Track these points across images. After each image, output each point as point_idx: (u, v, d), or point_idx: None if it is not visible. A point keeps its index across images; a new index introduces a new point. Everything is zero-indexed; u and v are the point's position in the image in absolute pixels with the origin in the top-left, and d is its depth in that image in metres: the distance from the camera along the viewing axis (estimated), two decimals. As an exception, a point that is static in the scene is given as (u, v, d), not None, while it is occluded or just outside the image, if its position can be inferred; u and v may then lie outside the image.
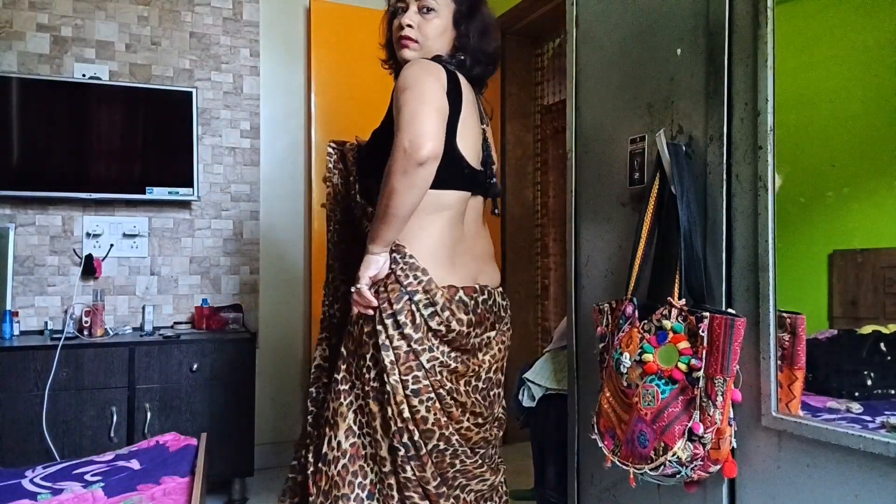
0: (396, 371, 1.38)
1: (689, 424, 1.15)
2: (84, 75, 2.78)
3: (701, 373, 1.16)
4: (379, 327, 1.40)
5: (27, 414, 2.31)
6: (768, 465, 1.20)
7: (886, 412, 1.16)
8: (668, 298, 1.25)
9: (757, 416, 1.21)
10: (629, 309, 1.33)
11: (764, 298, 1.19)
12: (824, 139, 1.54)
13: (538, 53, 3.54)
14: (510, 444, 3.39)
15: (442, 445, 1.43)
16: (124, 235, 2.85)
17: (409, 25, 1.53)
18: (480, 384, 1.53)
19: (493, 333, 1.57)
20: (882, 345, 1.34)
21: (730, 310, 1.24)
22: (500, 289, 1.64)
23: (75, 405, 2.37)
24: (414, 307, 1.39)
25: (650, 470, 1.18)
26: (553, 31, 3.36)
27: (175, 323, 2.93)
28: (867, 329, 1.38)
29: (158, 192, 2.78)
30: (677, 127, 1.40)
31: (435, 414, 1.41)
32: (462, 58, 1.54)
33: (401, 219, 1.36)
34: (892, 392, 1.27)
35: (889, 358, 1.33)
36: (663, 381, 1.20)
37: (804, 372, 1.17)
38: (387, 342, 1.39)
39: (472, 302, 1.47)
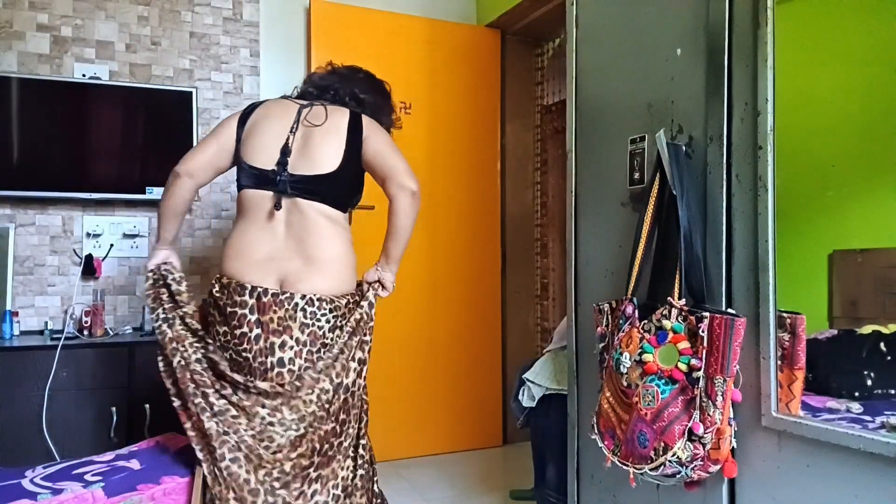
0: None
1: (689, 424, 1.15)
2: (84, 75, 2.77)
3: (701, 373, 1.16)
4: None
5: (27, 414, 2.30)
6: (768, 465, 1.20)
7: (886, 412, 1.16)
8: (668, 298, 1.25)
9: (757, 416, 1.21)
10: (629, 309, 1.33)
11: (764, 298, 1.19)
12: (824, 139, 1.54)
13: (538, 53, 3.54)
14: (510, 444, 3.38)
15: None
16: (124, 235, 2.85)
17: None
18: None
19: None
20: (882, 345, 1.34)
21: (730, 310, 1.24)
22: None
23: (75, 405, 2.37)
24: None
25: (650, 470, 1.19)
26: (553, 31, 3.36)
27: (175, 323, 2.92)
28: (867, 329, 1.38)
29: (159, 192, 2.77)
30: (677, 127, 1.40)
31: None
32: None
33: (161, 216, 1.92)
34: (892, 392, 1.27)
35: (889, 358, 1.33)
36: (663, 381, 1.20)
37: (804, 372, 1.17)
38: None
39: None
